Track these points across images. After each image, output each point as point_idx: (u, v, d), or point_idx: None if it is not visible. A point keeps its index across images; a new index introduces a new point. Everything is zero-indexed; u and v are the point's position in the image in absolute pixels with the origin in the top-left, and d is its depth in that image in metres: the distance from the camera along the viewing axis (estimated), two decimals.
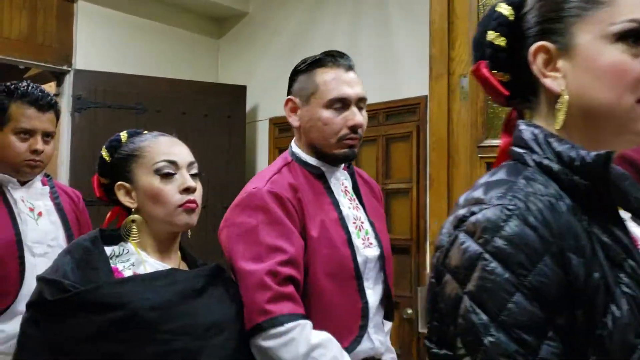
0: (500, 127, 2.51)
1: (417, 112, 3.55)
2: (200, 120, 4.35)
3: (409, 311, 3.38)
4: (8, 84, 2.15)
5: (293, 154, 1.81)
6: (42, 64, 4.03)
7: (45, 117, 2.15)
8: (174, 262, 1.56)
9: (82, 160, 3.89)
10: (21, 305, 1.89)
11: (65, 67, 4.09)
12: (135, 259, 1.49)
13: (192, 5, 4.71)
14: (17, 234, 2.03)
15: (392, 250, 1.90)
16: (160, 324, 1.35)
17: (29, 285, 1.96)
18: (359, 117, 1.75)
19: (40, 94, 2.13)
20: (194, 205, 1.51)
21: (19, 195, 2.10)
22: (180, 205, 1.49)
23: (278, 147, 4.59)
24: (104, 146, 1.61)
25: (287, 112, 1.81)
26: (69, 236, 2.20)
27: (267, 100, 4.68)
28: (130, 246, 1.51)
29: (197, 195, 1.53)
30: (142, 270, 1.47)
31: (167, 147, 1.54)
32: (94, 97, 4.08)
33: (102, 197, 1.64)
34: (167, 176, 1.50)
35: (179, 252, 1.61)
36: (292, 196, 1.66)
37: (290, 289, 1.55)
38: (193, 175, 1.55)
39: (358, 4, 4.07)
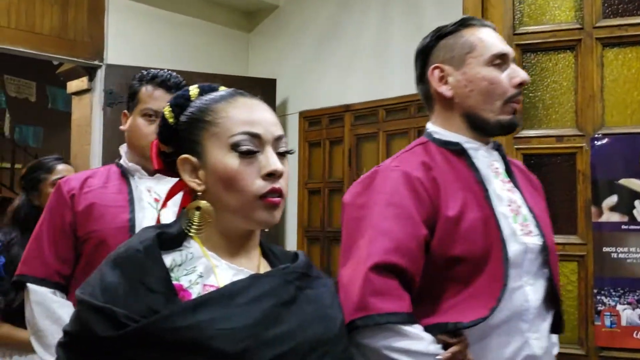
0: (537, 116, 2.45)
1: None
2: None
3: None
4: (143, 72, 2.11)
5: (429, 134, 1.56)
6: (74, 59, 4.06)
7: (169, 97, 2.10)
8: (252, 262, 1.21)
9: (114, 154, 3.84)
10: None
11: (97, 62, 4.12)
12: (203, 267, 1.14)
13: None
14: (131, 219, 1.93)
15: None
16: (252, 358, 1.04)
17: None
18: (523, 72, 1.51)
19: (168, 75, 2.06)
20: (277, 200, 1.13)
21: (145, 185, 2.02)
22: (262, 197, 1.12)
23: (308, 140, 4.56)
24: (168, 103, 1.24)
25: (434, 84, 1.52)
26: None
27: (297, 93, 4.65)
28: (195, 246, 1.16)
29: (283, 183, 1.15)
30: (214, 281, 1.12)
31: (248, 114, 1.16)
32: (125, 92, 4.08)
33: (161, 169, 1.28)
34: (246, 155, 1.12)
35: (259, 249, 1.24)
36: (423, 175, 1.43)
37: (392, 282, 1.34)
38: (280, 155, 1.16)
39: None
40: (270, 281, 1.13)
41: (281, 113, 4.70)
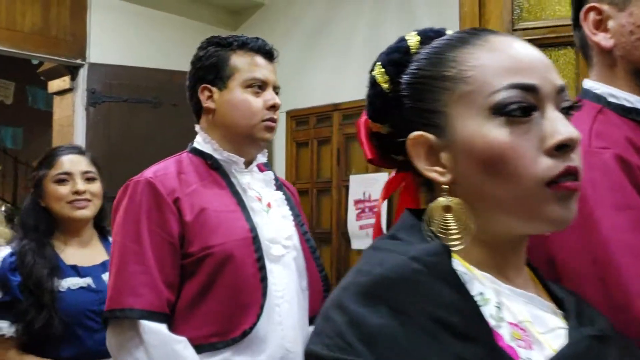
0: None
1: None
2: None
3: None
4: (215, 38, 1.69)
5: (599, 97, 1.09)
6: (56, 57, 3.97)
7: (272, 67, 1.71)
8: (528, 284, 0.81)
9: (97, 155, 3.82)
10: (262, 330, 1.50)
11: (79, 61, 4.03)
12: (494, 296, 0.74)
13: None
14: (253, 228, 1.53)
15: None
16: None
17: (271, 304, 1.52)
18: None
19: (262, 41, 1.69)
20: (574, 184, 0.73)
21: (244, 181, 1.62)
22: (552, 183, 0.71)
23: (296, 140, 4.50)
24: (377, 63, 0.86)
25: (589, 30, 1.08)
26: (304, 236, 1.69)
27: (284, 92, 4.54)
28: (459, 265, 0.74)
29: (577, 159, 0.76)
30: (510, 316, 0.73)
31: (512, 57, 0.75)
32: (108, 91, 4.01)
33: (375, 158, 0.90)
34: (520, 119, 0.72)
35: (526, 268, 0.83)
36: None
37: None
38: (566, 113, 0.77)
39: None
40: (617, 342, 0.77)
41: None
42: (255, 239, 1.51)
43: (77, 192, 2.00)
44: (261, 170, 1.71)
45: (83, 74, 4.04)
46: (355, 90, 4.08)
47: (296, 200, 1.78)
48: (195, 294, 1.49)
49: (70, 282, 1.93)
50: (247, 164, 1.63)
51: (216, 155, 1.60)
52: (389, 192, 0.90)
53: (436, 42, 0.81)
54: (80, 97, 4.00)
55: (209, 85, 1.61)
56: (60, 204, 2.00)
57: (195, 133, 1.70)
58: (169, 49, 4.43)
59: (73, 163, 2.07)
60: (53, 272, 1.90)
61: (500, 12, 2.34)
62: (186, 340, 1.45)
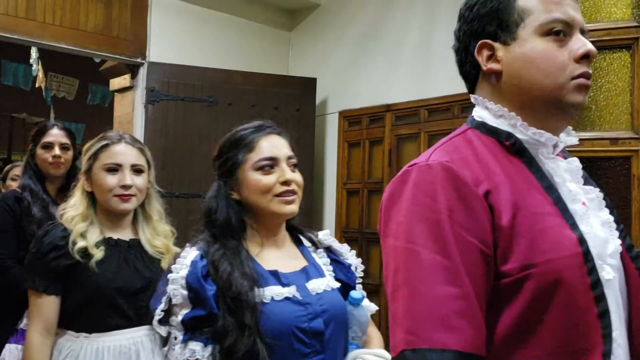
0: (591, 118, 2.36)
1: None
2: (270, 113, 4.32)
3: None
4: None
5: None
6: (117, 56, 4.09)
7: (575, 4, 1.19)
8: None
9: (154, 152, 3.91)
10: None
11: (139, 60, 4.15)
12: None
13: None
14: (582, 241, 1.05)
15: None
16: None
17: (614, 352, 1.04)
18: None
19: None
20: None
21: (560, 171, 1.15)
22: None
23: (348, 140, 4.52)
24: None
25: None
26: (629, 252, 1.17)
27: (337, 92, 4.61)
28: None
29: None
30: None
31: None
32: (166, 90, 4.11)
33: None
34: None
35: None
36: None
37: None
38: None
39: None
40: None
41: (321, 112, 4.66)
42: (587, 256, 1.04)
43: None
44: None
45: (143, 72, 4.15)
46: (408, 91, 4.08)
47: None
48: (509, 333, 1.01)
49: (273, 292, 1.49)
50: (553, 146, 1.16)
51: (518, 134, 1.13)
52: None
53: None
54: (139, 95, 4.10)
55: (489, 41, 1.15)
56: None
57: None
58: (225, 49, 4.51)
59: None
60: (254, 282, 1.46)
61: None
62: None
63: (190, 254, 1.49)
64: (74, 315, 1.87)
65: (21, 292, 1.96)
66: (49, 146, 2.81)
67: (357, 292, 1.58)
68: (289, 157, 1.58)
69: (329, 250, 1.69)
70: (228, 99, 4.24)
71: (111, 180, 1.93)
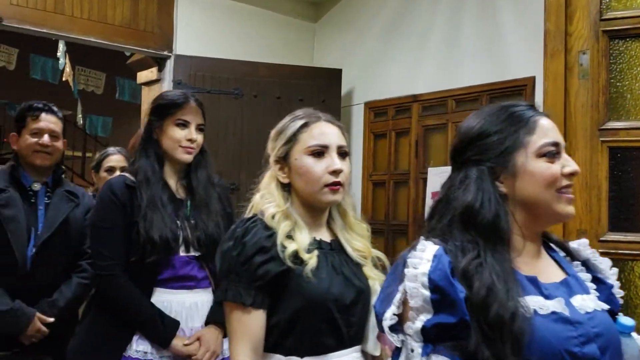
0: (626, 107, 2.32)
1: (524, 94, 3.36)
2: (296, 104, 4.31)
3: None
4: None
5: None
6: (144, 49, 4.12)
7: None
8: None
9: None
10: None
11: (166, 53, 4.17)
12: None
13: None
14: None
15: None
16: None
17: None
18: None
19: None
20: None
21: None
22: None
23: (373, 131, 4.49)
24: None
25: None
26: None
27: (363, 83, 4.59)
28: None
29: None
30: None
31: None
32: (193, 82, 4.13)
33: None
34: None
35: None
36: None
37: None
38: None
39: None
40: None
41: (346, 103, 4.64)
42: None
43: None
44: None
45: (169, 65, 4.17)
46: (434, 82, 4.04)
47: None
48: None
49: (536, 303, 1.19)
50: None
51: None
52: None
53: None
54: (167, 87, 4.12)
55: None
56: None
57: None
58: (251, 41, 4.52)
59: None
60: (519, 306, 1.14)
61: (587, 2, 2.26)
62: None
63: (429, 247, 1.20)
64: (281, 335, 1.53)
65: (129, 309, 1.74)
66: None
67: (629, 319, 1.28)
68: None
69: (585, 264, 1.39)
70: (253, 91, 4.25)
71: (319, 167, 1.60)
